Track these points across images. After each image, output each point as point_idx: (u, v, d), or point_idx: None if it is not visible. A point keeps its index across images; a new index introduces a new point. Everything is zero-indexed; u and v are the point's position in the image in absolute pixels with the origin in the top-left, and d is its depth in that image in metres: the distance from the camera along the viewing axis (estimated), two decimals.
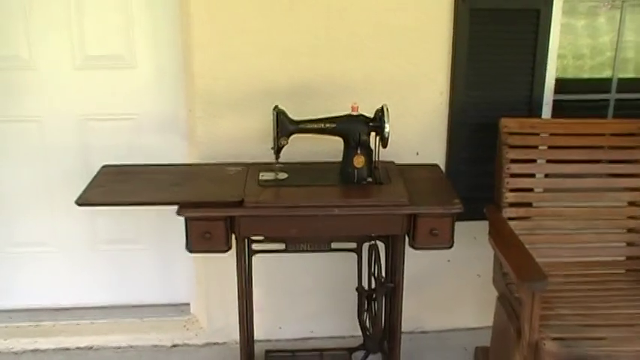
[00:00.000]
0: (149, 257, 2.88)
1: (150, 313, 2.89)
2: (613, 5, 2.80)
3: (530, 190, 2.46)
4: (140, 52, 2.61)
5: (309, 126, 2.24)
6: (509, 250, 2.18)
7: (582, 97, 2.78)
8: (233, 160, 2.46)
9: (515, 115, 2.45)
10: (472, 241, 2.65)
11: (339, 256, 2.49)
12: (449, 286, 2.85)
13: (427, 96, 2.57)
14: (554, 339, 2.02)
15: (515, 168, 2.41)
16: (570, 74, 2.83)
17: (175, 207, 2.09)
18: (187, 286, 2.89)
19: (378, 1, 2.45)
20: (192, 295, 2.89)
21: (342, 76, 2.50)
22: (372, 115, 2.23)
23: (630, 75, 2.89)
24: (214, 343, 2.80)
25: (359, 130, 2.22)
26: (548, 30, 2.54)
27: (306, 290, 2.80)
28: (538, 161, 2.47)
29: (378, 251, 2.40)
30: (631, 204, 2.48)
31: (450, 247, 2.18)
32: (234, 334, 2.51)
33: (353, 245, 2.48)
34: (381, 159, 2.28)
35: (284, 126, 2.22)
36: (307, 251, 2.39)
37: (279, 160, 2.27)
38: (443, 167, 2.60)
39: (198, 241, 2.10)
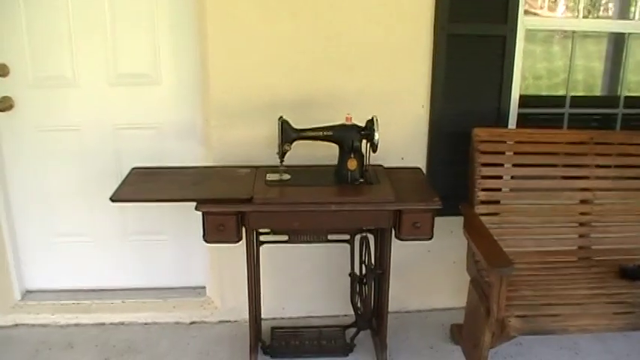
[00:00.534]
0: (171, 247, 2.86)
1: (171, 295, 2.86)
2: (565, 35, 2.78)
3: (499, 189, 2.44)
4: (164, 71, 2.58)
5: (309, 134, 2.23)
6: (481, 241, 2.17)
7: (542, 111, 2.77)
8: (243, 163, 2.44)
9: (485, 125, 2.43)
10: (449, 233, 2.62)
11: (334, 246, 2.46)
12: (429, 272, 2.82)
13: (410, 108, 2.54)
14: (518, 316, 2.02)
15: (486, 171, 2.39)
16: (532, 91, 2.82)
17: (194, 203, 2.07)
18: (203, 271, 2.86)
19: (369, 27, 2.43)
20: (208, 279, 2.86)
21: (337, 90, 2.48)
22: (363, 125, 2.21)
23: (581, 93, 2.90)
24: (227, 321, 2.77)
25: (352, 137, 2.20)
26: (512, 53, 2.52)
27: (306, 276, 2.76)
28: (505, 165, 2.44)
29: (368, 242, 2.38)
30: (582, 202, 2.47)
31: (430, 238, 2.16)
32: (244, 313, 2.47)
33: (346, 237, 2.45)
34: (370, 163, 2.25)
35: (287, 134, 2.20)
36: (307, 242, 2.37)
37: (283, 163, 2.24)
38: (424, 170, 2.58)
39: (213, 232, 2.09)
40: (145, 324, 2.74)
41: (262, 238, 2.39)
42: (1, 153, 2.66)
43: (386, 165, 2.42)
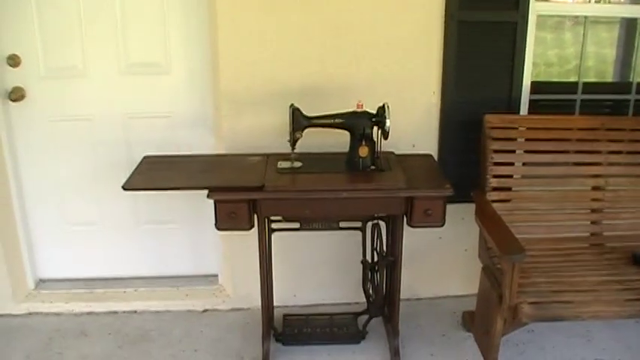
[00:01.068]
0: (183, 235, 2.87)
1: (184, 283, 2.88)
2: (576, 22, 2.75)
3: (510, 176, 2.43)
4: (174, 60, 2.59)
5: (320, 121, 2.23)
6: (493, 228, 2.16)
7: (554, 97, 2.75)
8: (254, 151, 2.45)
9: (496, 112, 2.43)
10: (460, 220, 2.62)
11: (346, 233, 2.46)
12: (440, 260, 2.82)
13: (421, 95, 2.54)
14: (530, 303, 2.01)
15: (498, 157, 2.38)
16: (543, 78, 2.80)
17: (206, 191, 2.07)
18: (216, 259, 2.87)
19: (379, 16, 2.43)
20: (220, 267, 2.87)
21: (347, 78, 2.47)
22: (374, 112, 2.21)
23: (592, 79, 2.89)
24: (239, 309, 2.79)
25: (363, 124, 2.20)
26: (524, 40, 2.50)
27: (318, 263, 2.77)
28: (517, 152, 2.44)
29: (380, 229, 2.37)
30: (594, 188, 2.46)
31: (442, 225, 2.16)
32: (256, 301, 2.49)
33: (358, 224, 2.45)
34: (382, 150, 2.25)
35: (299, 121, 2.20)
36: (319, 229, 2.38)
37: (295, 150, 2.24)
38: (435, 157, 2.57)
39: (225, 220, 2.10)
40: (158, 312, 2.76)
41: (274, 225, 2.40)
42: (13, 143, 2.67)
43: (397, 152, 2.42)
